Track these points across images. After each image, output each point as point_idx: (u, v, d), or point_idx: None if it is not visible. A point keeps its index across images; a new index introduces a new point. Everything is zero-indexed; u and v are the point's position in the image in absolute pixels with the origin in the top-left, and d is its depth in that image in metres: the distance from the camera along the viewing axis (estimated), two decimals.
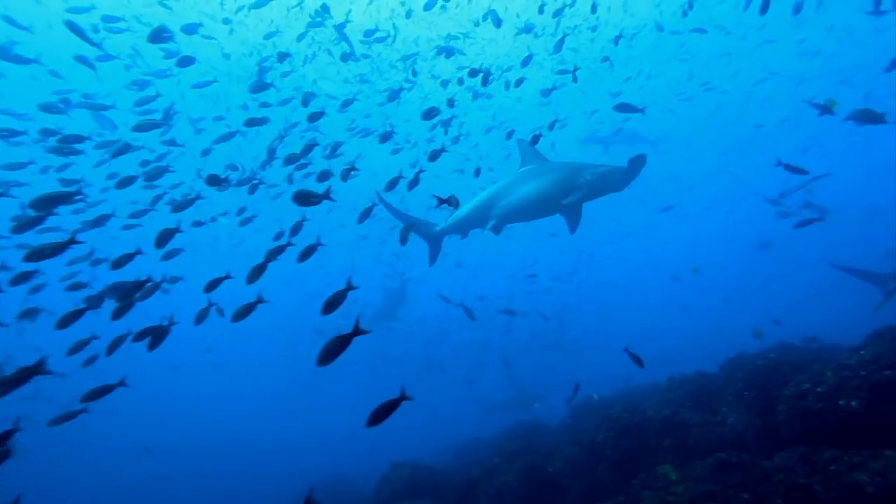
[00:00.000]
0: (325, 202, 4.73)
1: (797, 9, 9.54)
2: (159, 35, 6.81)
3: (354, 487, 13.69)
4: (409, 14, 13.65)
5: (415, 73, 10.42)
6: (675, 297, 28.40)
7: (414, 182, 6.93)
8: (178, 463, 20.25)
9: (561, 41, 10.36)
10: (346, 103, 9.14)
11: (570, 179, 6.67)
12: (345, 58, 10.19)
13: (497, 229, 7.41)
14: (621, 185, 6.55)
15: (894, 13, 7.82)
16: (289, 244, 5.48)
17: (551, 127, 8.69)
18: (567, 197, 6.59)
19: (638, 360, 5.37)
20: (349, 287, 4.11)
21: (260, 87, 7.94)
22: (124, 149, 7.03)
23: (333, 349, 3.56)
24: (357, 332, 3.61)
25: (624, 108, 7.51)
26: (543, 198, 6.90)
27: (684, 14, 10.30)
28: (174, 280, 6.92)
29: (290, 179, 8.63)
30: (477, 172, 9.02)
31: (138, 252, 5.11)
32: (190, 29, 9.19)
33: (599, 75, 21.43)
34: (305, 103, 7.97)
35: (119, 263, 5.24)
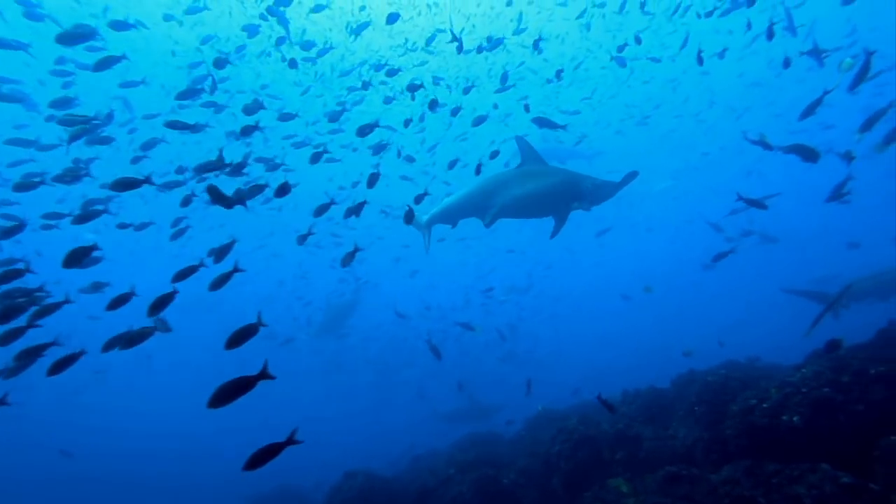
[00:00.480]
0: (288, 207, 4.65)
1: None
2: (77, 35, 6.29)
3: (304, 497, 13.35)
4: (357, 30, 13.44)
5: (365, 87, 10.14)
6: (626, 312, 29.24)
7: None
8: (108, 466, 19.39)
9: (505, 77, 10.47)
10: (286, 117, 8.26)
11: (574, 185, 6.88)
12: (292, 64, 9.85)
13: (492, 222, 7.39)
14: (610, 196, 6.88)
15: (827, 56, 8.34)
16: (201, 265, 5.10)
17: (492, 156, 8.83)
18: (573, 201, 6.80)
19: (610, 407, 5.54)
20: (259, 324, 3.88)
21: (187, 94, 7.44)
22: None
23: (229, 392, 3.24)
24: (263, 376, 3.35)
25: (543, 122, 7.59)
26: (546, 198, 7.01)
27: (638, 41, 10.73)
28: (98, 287, 6.48)
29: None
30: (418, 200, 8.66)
31: (27, 270, 4.81)
32: (120, 26, 8.25)
33: (550, 98, 22.08)
34: (249, 112, 7.30)
35: (5, 278, 4.80)
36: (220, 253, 5.55)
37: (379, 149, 8.55)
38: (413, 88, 7.46)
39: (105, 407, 26.07)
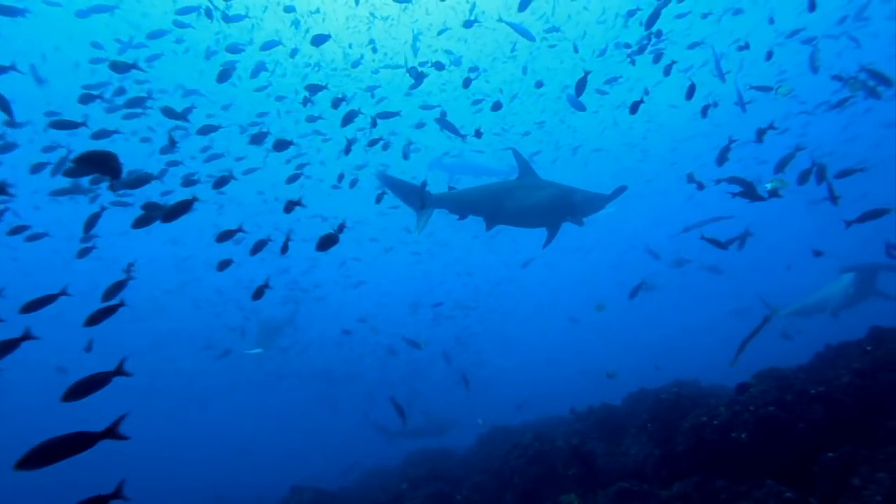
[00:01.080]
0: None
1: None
2: None
3: None
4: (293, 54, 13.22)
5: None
6: (572, 333, 29.91)
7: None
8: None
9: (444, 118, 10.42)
10: (208, 130, 7.67)
11: (566, 197, 7.07)
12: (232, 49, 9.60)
13: (492, 226, 7.50)
14: (600, 209, 7.17)
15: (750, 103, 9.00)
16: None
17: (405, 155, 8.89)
18: (568, 214, 7.05)
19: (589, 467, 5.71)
20: (118, 372, 3.57)
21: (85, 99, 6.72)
22: None
23: (85, 387, 3.28)
24: (118, 372, 3.43)
25: (444, 124, 7.68)
26: (545, 210, 7.21)
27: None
28: None
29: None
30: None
31: None
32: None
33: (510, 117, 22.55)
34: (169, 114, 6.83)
35: None
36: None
37: (301, 167, 8.65)
38: (336, 104, 7.50)
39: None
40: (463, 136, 7.53)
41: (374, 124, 7.49)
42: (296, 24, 15.32)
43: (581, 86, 7.27)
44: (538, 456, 6.93)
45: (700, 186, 7.52)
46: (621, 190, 6.75)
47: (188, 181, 7.31)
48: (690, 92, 7.77)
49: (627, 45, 11.33)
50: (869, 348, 4.85)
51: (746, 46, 10.81)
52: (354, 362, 23.95)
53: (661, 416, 6.24)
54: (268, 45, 10.50)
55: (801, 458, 4.85)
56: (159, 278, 26.85)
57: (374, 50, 15.40)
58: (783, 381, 5.31)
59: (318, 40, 8.35)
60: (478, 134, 7.75)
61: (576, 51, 13.62)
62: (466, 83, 9.33)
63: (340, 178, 9.69)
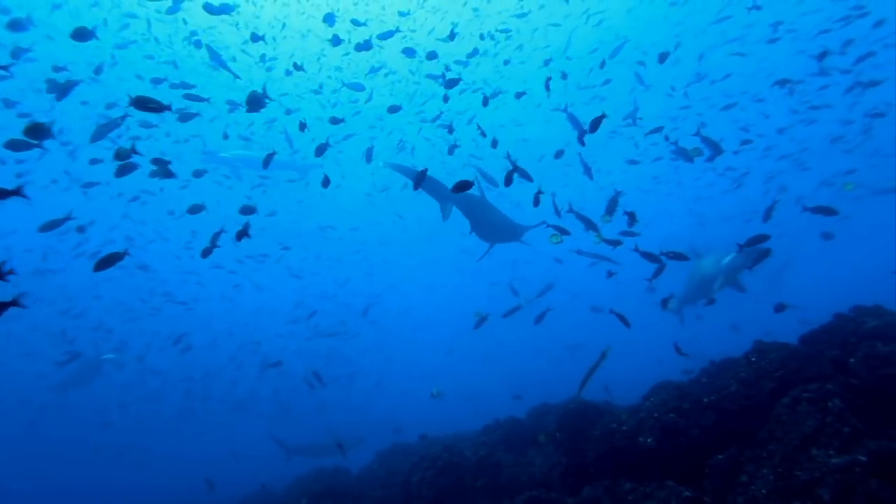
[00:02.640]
0: None
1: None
2: None
3: None
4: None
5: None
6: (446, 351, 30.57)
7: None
8: None
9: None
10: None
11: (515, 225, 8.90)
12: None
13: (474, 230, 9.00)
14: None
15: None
16: None
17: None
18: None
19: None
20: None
21: None
22: None
23: None
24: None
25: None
26: (502, 230, 8.86)
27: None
28: None
29: None
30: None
31: None
32: None
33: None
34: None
35: None
36: None
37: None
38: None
39: None
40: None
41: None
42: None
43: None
44: (447, 467, 6.88)
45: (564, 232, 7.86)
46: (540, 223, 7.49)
47: None
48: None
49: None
50: (753, 359, 5.46)
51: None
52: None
53: (568, 425, 6.49)
54: None
55: (696, 461, 5.29)
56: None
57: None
58: (681, 391, 5.78)
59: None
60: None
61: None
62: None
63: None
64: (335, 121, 8.55)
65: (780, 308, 7.29)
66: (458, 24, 18.08)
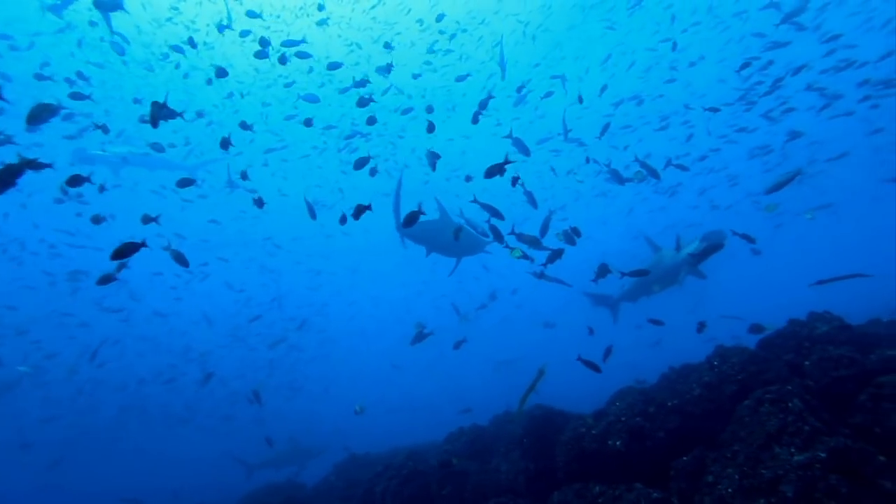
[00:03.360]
0: None
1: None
2: None
3: None
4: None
5: None
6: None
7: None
8: None
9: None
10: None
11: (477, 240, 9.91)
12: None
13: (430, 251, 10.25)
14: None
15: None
16: None
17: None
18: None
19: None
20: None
21: None
22: None
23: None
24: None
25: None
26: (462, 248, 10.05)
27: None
28: None
29: None
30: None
31: None
32: None
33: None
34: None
35: None
36: None
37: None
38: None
39: None
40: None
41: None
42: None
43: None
44: (412, 476, 6.75)
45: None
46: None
47: None
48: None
49: None
50: (716, 363, 5.67)
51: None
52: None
53: (536, 430, 6.52)
54: None
55: (662, 463, 5.41)
56: None
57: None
58: (646, 395, 5.92)
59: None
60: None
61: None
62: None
63: None
64: (244, 126, 8.29)
65: (701, 328, 7.56)
66: (397, 37, 18.35)
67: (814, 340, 5.38)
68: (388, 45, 13.02)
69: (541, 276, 9.92)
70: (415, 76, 14.71)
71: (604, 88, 12.78)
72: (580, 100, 10.23)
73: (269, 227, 27.92)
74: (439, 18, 14.35)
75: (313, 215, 7.54)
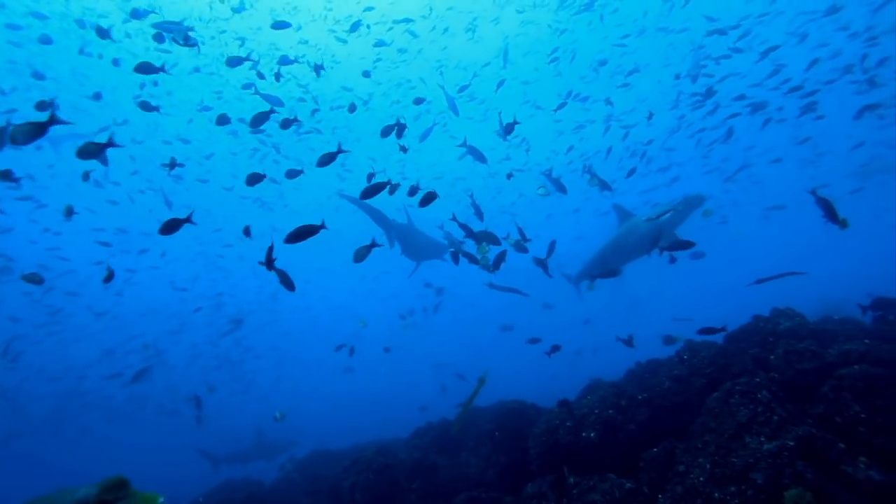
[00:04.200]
0: None
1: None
2: None
3: None
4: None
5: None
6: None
7: None
8: None
9: None
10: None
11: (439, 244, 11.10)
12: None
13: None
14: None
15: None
16: None
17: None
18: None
19: None
20: None
21: None
22: None
23: None
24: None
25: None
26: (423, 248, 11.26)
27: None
28: None
29: None
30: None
31: None
32: None
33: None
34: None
35: None
36: None
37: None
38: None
39: None
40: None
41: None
42: None
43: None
44: (382, 469, 6.63)
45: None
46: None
47: None
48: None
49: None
50: (685, 357, 5.83)
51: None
52: None
53: (508, 424, 6.53)
54: None
55: (633, 454, 5.52)
56: None
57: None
58: (618, 388, 6.02)
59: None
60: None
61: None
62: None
63: None
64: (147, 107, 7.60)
65: (669, 341, 7.63)
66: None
67: (778, 335, 5.62)
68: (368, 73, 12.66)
69: (492, 286, 9.80)
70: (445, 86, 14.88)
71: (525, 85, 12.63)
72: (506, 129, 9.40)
73: (219, 220, 26.93)
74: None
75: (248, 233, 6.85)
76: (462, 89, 14.16)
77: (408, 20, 18.96)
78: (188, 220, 4.61)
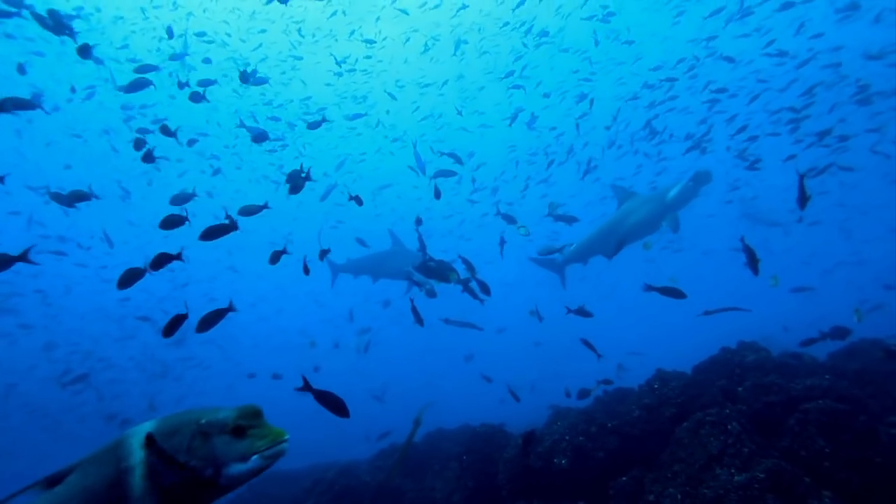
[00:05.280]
0: None
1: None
2: None
3: None
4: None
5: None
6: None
7: None
8: None
9: None
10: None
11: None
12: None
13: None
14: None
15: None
16: None
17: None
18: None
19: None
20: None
21: None
22: None
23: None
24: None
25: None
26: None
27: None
28: None
29: None
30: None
31: None
32: None
33: None
34: None
35: None
36: None
37: None
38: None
39: None
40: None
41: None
42: None
43: None
44: (344, 492, 6.40)
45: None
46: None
47: None
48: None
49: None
50: (656, 386, 5.90)
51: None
52: None
53: (476, 448, 6.43)
54: None
55: (602, 481, 5.51)
56: None
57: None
58: (588, 415, 6.03)
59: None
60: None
61: None
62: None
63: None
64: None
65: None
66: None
67: (744, 367, 5.76)
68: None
69: (447, 321, 9.57)
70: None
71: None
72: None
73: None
74: None
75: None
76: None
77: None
78: (178, 256, 4.43)
